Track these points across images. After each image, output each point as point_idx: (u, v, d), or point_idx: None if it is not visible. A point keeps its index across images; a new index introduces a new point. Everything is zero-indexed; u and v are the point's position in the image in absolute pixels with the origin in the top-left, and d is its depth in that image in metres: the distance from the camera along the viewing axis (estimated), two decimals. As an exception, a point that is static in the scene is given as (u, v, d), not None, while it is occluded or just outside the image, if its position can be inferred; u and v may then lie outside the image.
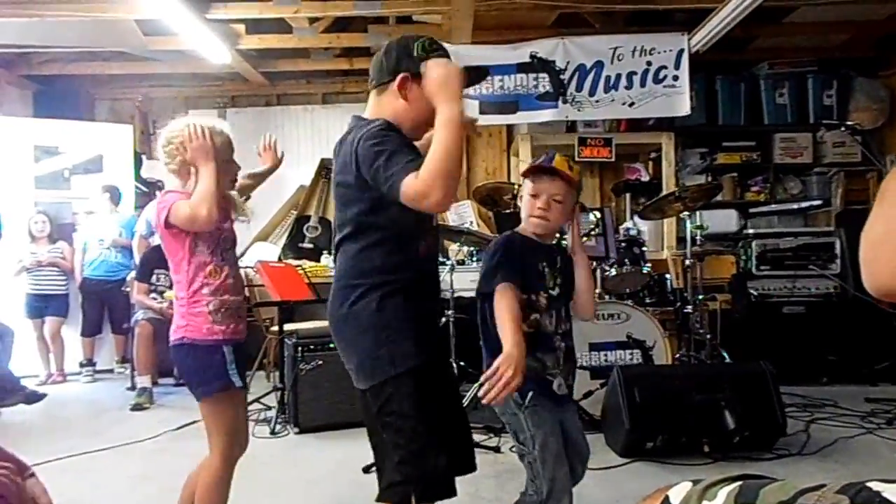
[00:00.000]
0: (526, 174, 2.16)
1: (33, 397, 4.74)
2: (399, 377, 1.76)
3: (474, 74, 2.01)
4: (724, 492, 1.01)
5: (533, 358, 1.99)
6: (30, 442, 4.06)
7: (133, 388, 5.19)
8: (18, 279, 5.84)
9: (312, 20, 5.77)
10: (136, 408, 4.79)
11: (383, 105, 1.84)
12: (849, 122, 5.09)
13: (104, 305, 5.99)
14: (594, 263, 4.35)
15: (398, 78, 1.80)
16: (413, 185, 1.60)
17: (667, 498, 1.08)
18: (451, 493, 1.80)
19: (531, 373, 1.95)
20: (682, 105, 5.51)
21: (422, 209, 1.66)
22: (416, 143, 1.88)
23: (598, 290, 4.33)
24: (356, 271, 1.82)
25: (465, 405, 2.47)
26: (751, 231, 5.81)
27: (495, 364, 1.79)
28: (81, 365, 5.97)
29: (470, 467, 1.92)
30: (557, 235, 2.50)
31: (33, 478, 1.54)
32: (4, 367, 4.79)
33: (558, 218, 2.10)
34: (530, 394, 2.00)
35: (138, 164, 6.75)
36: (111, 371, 6.17)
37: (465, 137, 1.65)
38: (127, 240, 5.96)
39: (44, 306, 5.86)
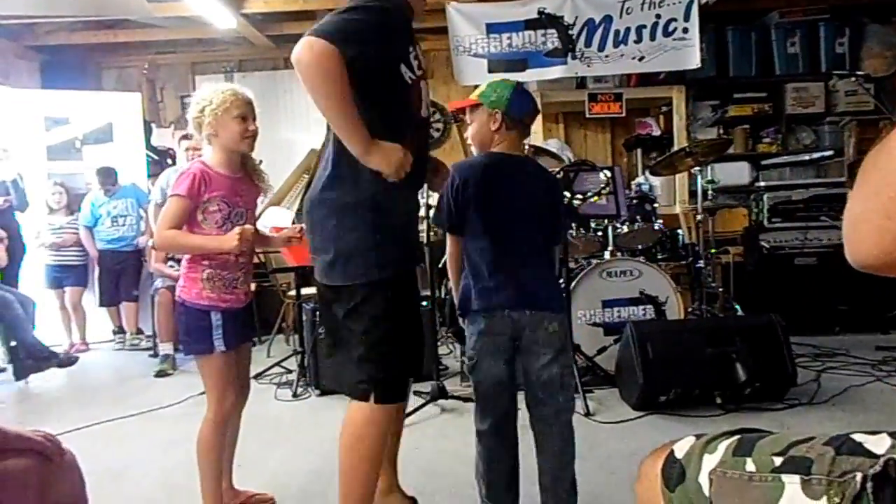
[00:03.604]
0: None
1: (67, 361, 4.90)
2: (379, 282, 1.80)
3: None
4: (724, 445, 1.08)
5: None
6: (57, 410, 4.19)
7: (155, 355, 5.30)
8: (38, 250, 5.92)
9: (317, -19, 5.72)
10: (160, 374, 4.90)
11: None
12: (860, 72, 5.01)
13: (119, 276, 6.07)
14: (605, 221, 4.36)
15: None
16: (307, 46, 1.62)
17: (672, 452, 1.15)
18: (405, 397, 1.96)
19: None
20: (692, 58, 5.44)
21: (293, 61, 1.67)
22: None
23: (610, 248, 4.36)
24: (345, 161, 1.76)
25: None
26: (762, 183, 5.80)
27: None
28: (114, 332, 6.12)
29: (418, 373, 2.05)
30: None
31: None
32: (31, 335, 4.88)
33: None
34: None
35: (148, 132, 6.76)
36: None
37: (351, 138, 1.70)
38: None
39: (63, 276, 5.96)
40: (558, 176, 3.65)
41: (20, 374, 4.78)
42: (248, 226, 2.28)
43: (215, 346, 2.32)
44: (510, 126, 2.15)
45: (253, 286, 2.59)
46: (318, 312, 4.17)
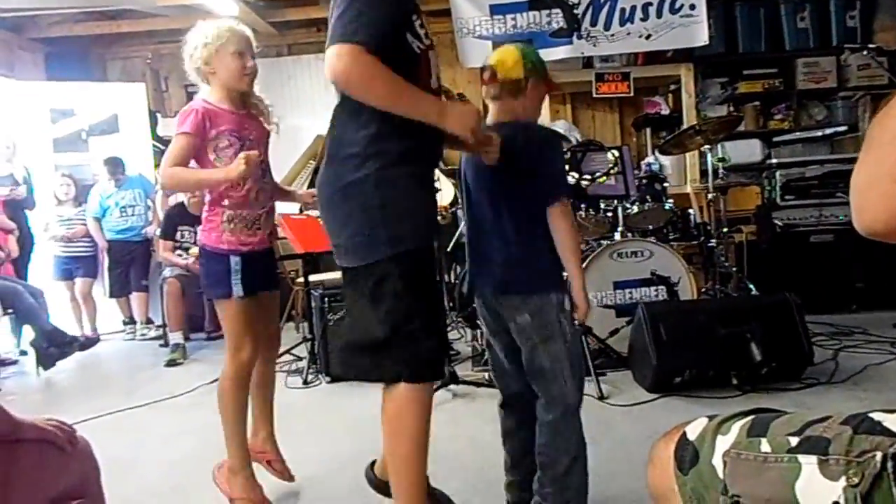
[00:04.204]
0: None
1: (88, 343, 4.95)
2: (396, 257, 1.71)
3: None
4: (738, 426, 1.04)
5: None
6: (68, 401, 4.20)
7: (166, 344, 5.31)
8: (47, 242, 5.94)
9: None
10: (171, 363, 4.90)
11: None
12: (872, 45, 4.90)
13: (129, 266, 6.08)
14: (615, 202, 4.31)
15: None
16: (340, 57, 1.55)
17: (684, 434, 1.12)
18: (440, 374, 1.84)
19: (563, 273, 2.01)
20: (699, 35, 5.36)
21: (330, 78, 1.60)
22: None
23: (620, 228, 4.31)
24: (350, 139, 1.72)
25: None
26: (775, 161, 5.71)
27: (581, 313, 1.99)
28: (125, 323, 6.15)
29: (446, 350, 1.93)
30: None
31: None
32: (48, 323, 4.89)
33: None
34: (565, 298, 1.98)
35: (154, 122, 6.75)
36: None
37: (417, 113, 1.67)
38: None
39: (73, 268, 5.98)
40: (566, 157, 3.59)
41: (47, 364, 4.77)
42: (252, 151, 2.19)
43: (233, 291, 2.29)
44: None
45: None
46: (325, 299, 4.16)
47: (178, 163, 2.20)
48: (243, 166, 2.12)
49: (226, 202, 2.29)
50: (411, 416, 1.80)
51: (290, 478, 2.61)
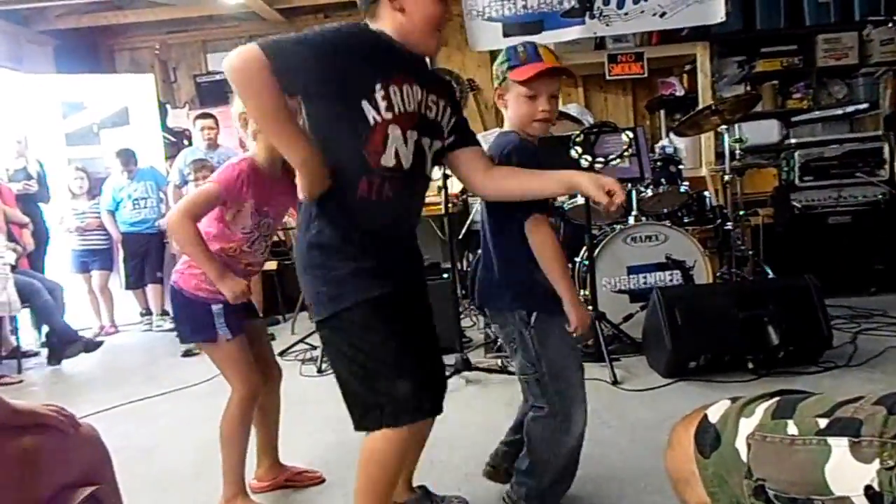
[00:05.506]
0: (524, 81, 1.89)
1: (92, 346, 5.00)
2: (345, 311, 1.70)
3: None
4: (762, 408, 1.01)
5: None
6: (90, 391, 4.24)
7: (182, 334, 5.33)
8: (62, 235, 5.98)
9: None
10: (187, 354, 4.92)
11: (383, 27, 1.69)
12: (896, 17, 4.79)
13: (144, 259, 6.10)
14: (629, 185, 4.25)
15: None
16: (239, 54, 1.56)
17: (705, 417, 1.09)
18: (419, 415, 1.76)
19: (540, 288, 1.91)
20: (716, 11, 5.23)
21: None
22: None
23: (634, 212, 4.25)
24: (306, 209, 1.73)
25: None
26: (793, 141, 5.61)
27: (573, 325, 1.89)
28: (141, 314, 6.18)
29: (436, 409, 1.87)
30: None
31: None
32: (61, 321, 4.97)
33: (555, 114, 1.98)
34: (535, 314, 1.92)
35: (163, 113, 6.74)
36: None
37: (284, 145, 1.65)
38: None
39: (90, 260, 6.02)
40: (578, 139, 3.54)
41: (51, 360, 4.92)
42: (250, 286, 2.27)
43: (220, 335, 2.26)
44: None
45: (274, 265, 2.52)
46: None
47: (197, 214, 2.16)
48: (235, 294, 2.17)
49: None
50: (386, 461, 1.80)
51: (320, 479, 2.60)
